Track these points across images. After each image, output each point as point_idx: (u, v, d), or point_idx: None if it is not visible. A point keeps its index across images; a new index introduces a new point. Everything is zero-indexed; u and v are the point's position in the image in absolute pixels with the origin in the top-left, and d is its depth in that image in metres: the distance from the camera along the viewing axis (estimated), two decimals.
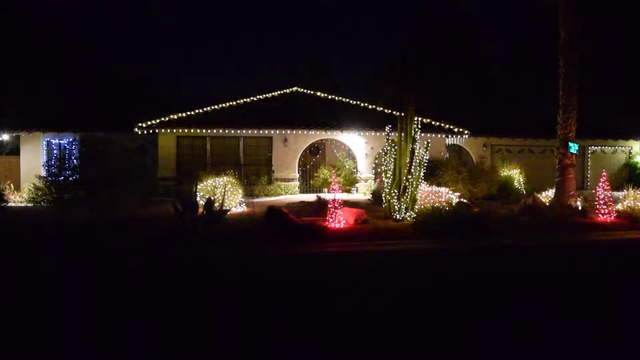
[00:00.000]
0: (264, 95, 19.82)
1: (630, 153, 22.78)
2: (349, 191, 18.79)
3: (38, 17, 29.43)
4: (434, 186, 13.33)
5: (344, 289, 5.97)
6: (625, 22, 26.75)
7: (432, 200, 12.02)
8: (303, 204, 14.11)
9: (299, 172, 19.01)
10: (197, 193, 11.76)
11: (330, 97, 20.17)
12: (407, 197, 11.67)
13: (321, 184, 18.75)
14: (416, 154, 11.92)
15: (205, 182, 13.40)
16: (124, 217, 11.41)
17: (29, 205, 14.84)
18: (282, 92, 20.37)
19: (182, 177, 17.80)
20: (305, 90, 20.60)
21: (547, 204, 13.17)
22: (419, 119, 12.67)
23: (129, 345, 4.18)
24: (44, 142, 19.07)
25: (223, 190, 12.31)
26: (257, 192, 17.12)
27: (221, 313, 5.00)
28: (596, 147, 22.45)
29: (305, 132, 18.53)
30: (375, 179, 18.27)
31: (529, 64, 29.41)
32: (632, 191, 12.40)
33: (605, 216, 11.87)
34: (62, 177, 14.74)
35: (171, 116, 17.85)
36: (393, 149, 12.23)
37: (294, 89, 20.62)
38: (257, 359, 3.92)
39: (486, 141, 21.39)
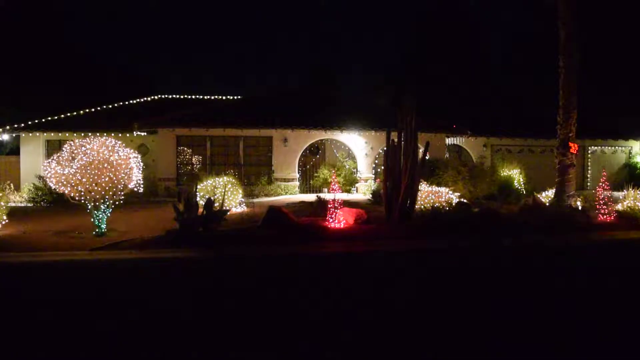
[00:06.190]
0: (264, 95, 19.85)
1: (630, 153, 22.77)
2: (349, 191, 18.77)
3: (38, 16, 29.47)
4: (434, 186, 13.32)
5: (344, 290, 5.97)
6: (625, 22, 26.77)
7: (432, 200, 12.02)
8: (303, 204, 14.10)
9: (299, 172, 19.00)
10: (197, 193, 11.76)
11: (330, 96, 20.20)
12: (407, 197, 11.66)
13: (321, 184, 18.74)
14: (416, 154, 11.90)
15: (205, 182, 13.39)
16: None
17: (29, 205, 14.83)
18: (282, 91, 20.39)
19: (182, 177, 17.85)
20: (305, 90, 20.63)
21: (547, 204, 13.16)
22: (419, 118, 12.67)
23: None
24: (44, 142, 19.08)
25: (223, 191, 12.29)
26: (257, 192, 17.13)
27: (219, 315, 5.00)
28: (596, 147, 22.43)
29: (305, 132, 18.52)
30: (375, 179, 18.27)
31: (529, 64, 29.44)
32: (632, 191, 12.37)
33: (605, 216, 11.86)
34: None
35: (171, 116, 17.85)
36: (393, 149, 12.21)
37: (294, 89, 20.65)
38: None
39: (486, 141, 21.38)
